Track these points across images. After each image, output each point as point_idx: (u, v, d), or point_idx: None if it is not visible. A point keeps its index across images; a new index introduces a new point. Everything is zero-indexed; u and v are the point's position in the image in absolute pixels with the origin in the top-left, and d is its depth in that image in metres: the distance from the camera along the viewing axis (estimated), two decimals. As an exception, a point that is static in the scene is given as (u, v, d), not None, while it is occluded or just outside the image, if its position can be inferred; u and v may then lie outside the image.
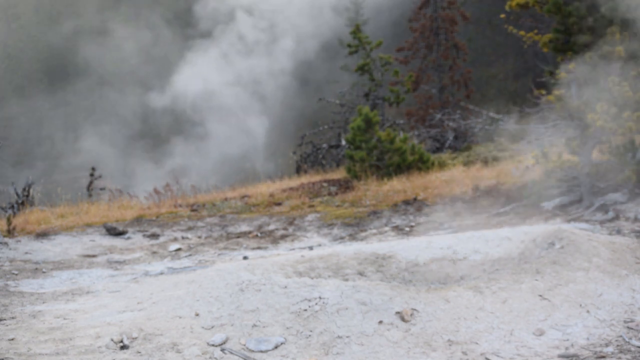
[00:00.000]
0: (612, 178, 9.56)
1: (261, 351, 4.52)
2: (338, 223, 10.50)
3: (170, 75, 30.82)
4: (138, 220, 11.30)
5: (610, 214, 8.87)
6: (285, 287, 5.14)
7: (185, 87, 30.04)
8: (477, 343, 4.57)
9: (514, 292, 5.10)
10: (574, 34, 9.92)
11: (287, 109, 30.16)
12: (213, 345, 4.60)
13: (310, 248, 8.71)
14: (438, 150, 19.86)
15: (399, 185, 13.05)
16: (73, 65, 33.02)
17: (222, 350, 4.54)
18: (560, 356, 4.42)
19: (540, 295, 5.08)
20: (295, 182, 15.37)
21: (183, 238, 10.16)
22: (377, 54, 20.26)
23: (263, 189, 14.07)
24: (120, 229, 10.36)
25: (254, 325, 4.78)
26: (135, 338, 4.75)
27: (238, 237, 10.11)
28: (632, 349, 4.49)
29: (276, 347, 4.56)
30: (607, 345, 4.55)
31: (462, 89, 24.70)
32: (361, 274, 6.62)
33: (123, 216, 11.61)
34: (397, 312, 4.79)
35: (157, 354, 4.51)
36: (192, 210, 12.18)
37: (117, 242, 9.86)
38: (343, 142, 19.01)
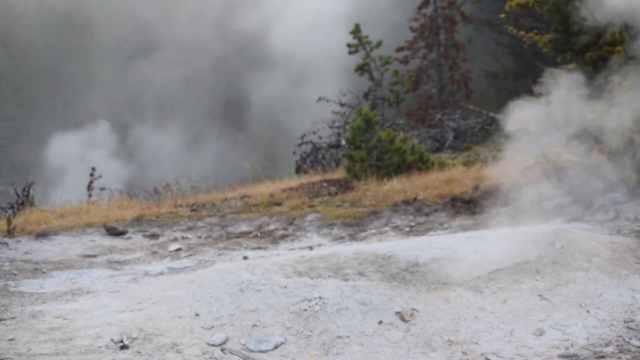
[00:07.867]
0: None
1: (261, 351, 4.53)
2: (338, 223, 10.50)
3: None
4: (138, 220, 11.30)
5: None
6: (285, 287, 5.14)
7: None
8: (477, 343, 4.57)
9: (514, 292, 5.10)
10: (574, 34, 9.91)
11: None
12: (213, 345, 4.61)
13: (310, 248, 8.72)
14: (438, 150, 19.85)
15: (399, 185, 13.05)
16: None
17: (222, 350, 4.54)
18: (560, 356, 4.42)
19: (540, 295, 5.08)
20: (295, 182, 15.36)
21: (183, 238, 10.16)
22: (377, 53, 20.26)
23: (263, 189, 14.07)
24: (120, 229, 10.36)
25: (254, 325, 4.79)
26: (135, 338, 4.76)
27: (238, 237, 10.11)
28: (632, 349, 4.49)
29: (276, 347, 4.56)
30: (607, 345, 4.55)
31: (462, 89, 24.67)
32: (361, 274, 6.62)
33: (123, 216, 11.61)
34: (397, 312, 4.79)
35: (157, 354, 4.51)
36: (192, 210, 12.18)
37: (117, 242, 9.86)
38: (343, 142, 19.01)
